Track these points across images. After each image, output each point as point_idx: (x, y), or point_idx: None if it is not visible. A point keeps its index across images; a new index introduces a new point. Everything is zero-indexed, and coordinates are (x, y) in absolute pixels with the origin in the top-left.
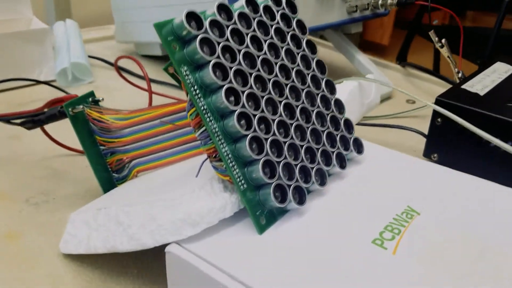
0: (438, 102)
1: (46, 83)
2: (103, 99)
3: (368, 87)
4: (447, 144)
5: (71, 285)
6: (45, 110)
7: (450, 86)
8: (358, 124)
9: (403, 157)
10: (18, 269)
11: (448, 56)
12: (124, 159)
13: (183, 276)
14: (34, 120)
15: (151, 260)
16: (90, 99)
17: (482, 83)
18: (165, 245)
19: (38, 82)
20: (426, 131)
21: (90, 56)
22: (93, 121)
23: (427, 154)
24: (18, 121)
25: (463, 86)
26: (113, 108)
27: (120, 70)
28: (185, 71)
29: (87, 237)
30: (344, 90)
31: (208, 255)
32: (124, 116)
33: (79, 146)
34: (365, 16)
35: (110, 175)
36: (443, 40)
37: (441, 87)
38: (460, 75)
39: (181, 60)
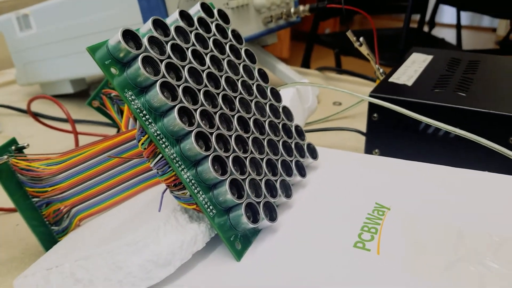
0: (372, 97)
1: None
2: (28, 145)
3: (305, 92)
4: (387, 138)
5: None
6: None
7: (369, 83)
8: None
9: (354, 155)
10: None
11: (368, 54)
12: (62, 208)
13: None
14: None
15: None
16: (13, 147)
17: (407, 74)
18: None
19: None
20: (361, 129)
21: None
22: (21, 171)
23: (369, 151)
24: None
25: (391, 79)
26: (41, 154)
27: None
28: (130, 96)
29: None
30: (285, 98)
31: None
32: (56, 160)
33: (2, 204)
34: (280, 25)
35: (48, 229)
36: (361, 39)
37: (362, 86)
38: (381, 70)
39: (123, 84)
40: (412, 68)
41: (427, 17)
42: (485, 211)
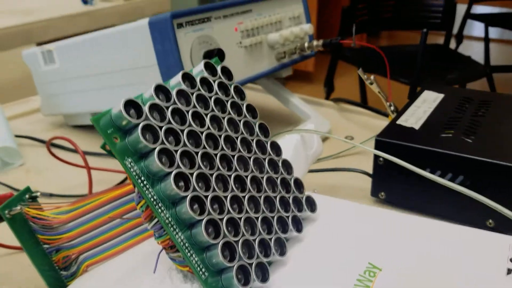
0: (377, 142)
1: None
2: (40, 194)
3: (310, 136)
4: (392, 182)
5: None
6: None
7: (383, 117)
8: None
9: (354, 206)
10: None
11: (378, 92)
12: (71, 255)
13: None
14: None
15: None
16: (27, 195)
17: (415, 115)
18: None
19: None
20: (370, 169)
21: (17, 136)
22: (33, 220)
23: (375, 194)
24: None
25: (398, 122)
26: (52, 202)
27: (52, 146)
28: (130, 163)
29: None
30: (288, 146)
31: None
32: (65, 209)
33: (16, 242)
34: (294, 60)
35: (57, 273)
36: (372, 77)
37: (375, 119)
38: (392, 108)
39: (123, 151)
40: (422, 109)
41: (455, 30)
42: (483, 272)
